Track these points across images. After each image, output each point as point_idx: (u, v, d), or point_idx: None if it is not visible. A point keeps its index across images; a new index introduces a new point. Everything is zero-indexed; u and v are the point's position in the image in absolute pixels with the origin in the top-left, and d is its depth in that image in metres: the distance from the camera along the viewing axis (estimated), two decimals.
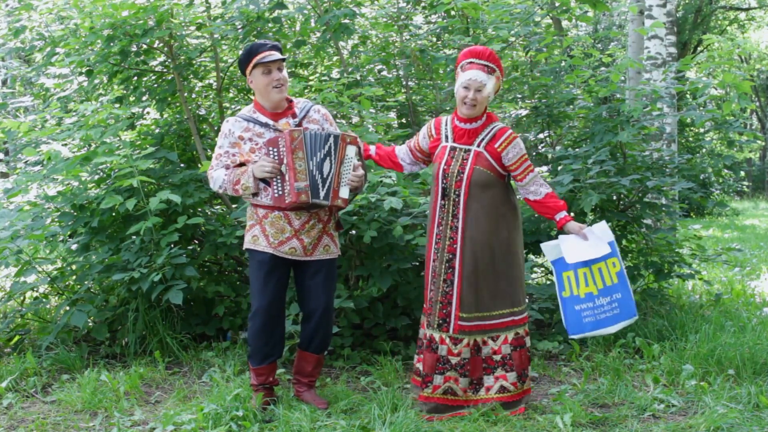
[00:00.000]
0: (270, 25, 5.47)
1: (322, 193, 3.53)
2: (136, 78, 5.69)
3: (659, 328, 4.90)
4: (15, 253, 4.78)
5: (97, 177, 5.14)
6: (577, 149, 5.60)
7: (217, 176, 3.68)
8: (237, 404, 3.65)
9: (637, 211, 5.50)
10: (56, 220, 5.04)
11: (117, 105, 5.45)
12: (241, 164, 3.66)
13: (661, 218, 5.84)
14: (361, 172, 3.65)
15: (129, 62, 5.44)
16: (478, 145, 3.71)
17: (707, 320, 4.99)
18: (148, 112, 6.15)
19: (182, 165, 5.65)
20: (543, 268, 6.15)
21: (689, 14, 21.57)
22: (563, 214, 3.76)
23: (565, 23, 14.83)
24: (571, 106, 5.99)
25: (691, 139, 17.47)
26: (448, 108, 5.85)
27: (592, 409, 3.78)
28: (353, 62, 6.38)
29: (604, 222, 3.79)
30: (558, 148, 6.07)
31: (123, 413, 3.80)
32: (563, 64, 6.20)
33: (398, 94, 6.36)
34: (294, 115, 3.71)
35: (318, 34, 5.92)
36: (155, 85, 5.74)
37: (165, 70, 5.68)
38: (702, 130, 16.67)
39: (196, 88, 6.20)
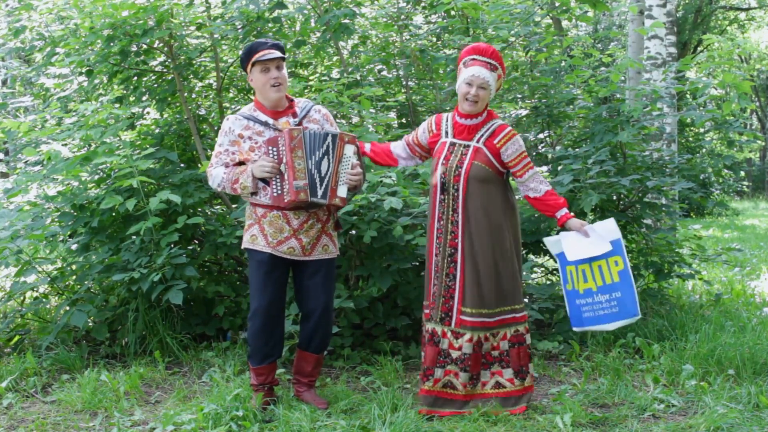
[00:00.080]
0: (270, 25, 5.47)
1: (320, 192, 3.54)
2: (136, 78, 5.69)
3: (659, 328, 4.90)
4: (15, 253, 4.78)
5: (97, 177, 5.14)
6: (577, 149, 5.60)
7: (216, 174, 3.68)
8: (237, 404, 3.65)
9: (637, 211, 5.50)
10: (56, 220, 5.04)
11: (117, 105, 5.45)
12: (241, 163, 3.66)
13: (661, 218, 5.84)
14: (359, 170, 3.66)
15: (129, 62, 5.44)
16: (478, 141, 3.72)
17: (707, 320, 4.99)
18: (148, 112, 6.15)
19: (182, 165, 5.65)
20: (543, 268, 6.15)
21: (689, 14, 21.57)
22: (564, 211, 3.76)
23: (565, 23, 14.83)
24: (571, 106, 5.99)
25: (691, 139, 17.47)
26: (448, 108, 5.84)
27: (592, 409, 3.78)
28: (353, 62, 6.38)
29: (612, 220, 3.78)
30: (558, 148, 6.07)
31: (123, 413, 3.80)
32: (563, 64, 6.20)
33: (398, 94, 6.36)
34: (294, 115, 3.72)
35: (318, 34, 5.92)
36: (155, 85, 5.74)
37: (165, 70, 5.68)
38: (702, 130, 16.68)
39: (196, 88, 6.20)
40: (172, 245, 4.79)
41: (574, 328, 3.86)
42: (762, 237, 11.80)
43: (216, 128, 5.91)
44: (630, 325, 4.95)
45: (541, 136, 6.47)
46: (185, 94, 5.64)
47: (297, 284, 3.78)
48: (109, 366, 4.62)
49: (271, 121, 3.67)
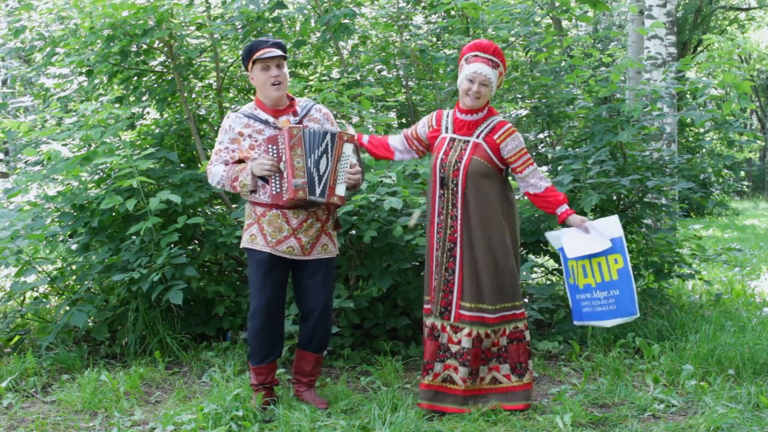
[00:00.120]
0: (270, 25, 5.47)
1: (318, 191, 3.54)
2: (136, 78, 5.69)
3: (659, 328, 4.90)
4: (15, 253, 4.78)
5: (97, 177, 5.14)
6: (577, 149, 5.60)
7: (215, 172, 3.68)
8: (237, 404, 3.65)
9: (637, 211, 5.50)
10: (56, 220, 5.04)
11: (117, 105, 5.45)
12: (240, 161, 3.66)
13: (661, 218, 5.84)
14: (357, 169, 3.66)
15: (129, 62, 5.44)
16: (477, 137, 3.73)
17: (707, 320, 4.99)
18: (148, 112, 6.15)
19: (182, 165, 5.65)
20: (543, 268, 6.15)
21: (689, 14, 21.57)
22: (564, 207, 3.77)
23: (565, 23, 14.83)
24: (571, 106, 5.99)
25: (691, 139, 17.47)
26: (448, 108, 5.84)
27: (592, 409, 3.78)
28: (353, 62, 6.37)
29: (616, 217, 3.76)
30: (558, 148, 6.07)
31: (123, 413, 3.80)
32: (563, 64, 6.20)
33: (398, 94, 6.36)
34: (295, 113, 3.72)
35: (318, 34, 5.92)
36: (155, 85, 5.74)
37: (165, 70, 5.68)
38: (702, 130, 16.67)
39: (196, 88, 6.20)
40: (172, 245, 4.79)
41: (574, 322, 3.91)
42: (762, 237, 11.80)
43: (216, 128, 5.91)
44: (630, 325, 4.97)
45: (541, 136, 6.46)
46: (185, 94, 5.64)
47: (296, 284, 3.78)
48: (109, 366, 4.62)
49: (271, 119, 3.67)
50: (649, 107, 5.43)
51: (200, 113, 6.09)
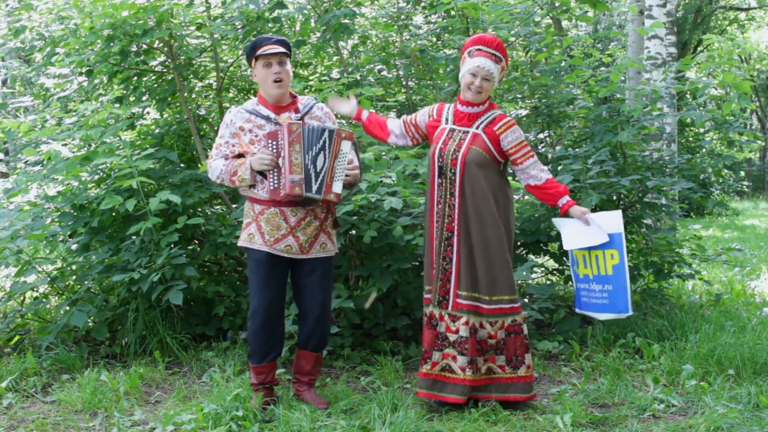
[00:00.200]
0: (270, 25, 5.47)
1: (314, 187, 3.54)
2: (136, 78, 5.69)
3: (659, 328, 4.90)
4: (15, 253, 4.78)
5: (97, 177, 5.14)
6: (577, 149, 5.60)
7: (215, 166, 3.69)
8: (237, 404, 3.65)
9: (637, 211, 5.50)
10: (56, 220, 5.04)
11: (117, 105, 5.45)
12: (240, 155, 3.67)
13: (661, 218, 5.84)
14: (355, 165, 3.66)
15: (129, 62, 5.44)
16: (477, 128, 3.75)
17: (707, 320, 4.99)
18: (148, 112, 6.16)
19: (182, 165, 5.65)
20: (543, 268, 6.16)
21: (689, 14, 21.57)
22: (566, 199, 3.77)
23: (565, 23, 14.83)
24: (571, 106, 5.99)
25: (691, 139, 17.48)
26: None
27: (592, 409, 3.78)
28: (353, 62, 6.37)
29: (618, 213, 3.75)
30: (558, 148, 6.07)
31: (123, 413, 3.80)
32: (563, 64, 6.20)
33: (398, 94, 6.36)
34: (297, 111, 3.73)
35: (318, 34, 5.92)
36: (155, 85, 5.74)
37: (165, 70, 5.68)
38: (702, 130, 16.68)
39: (196, 88, 6.20)
40: (172, 245, 4.79)
41: (575, 309, 3.95)
42: (762, 237, 11.80)
43: (216, 128, 5.91)
44: (630, 325, 4.97)
45: (541, 136, 6.46)
46: (185, 94, 5.64)
47: (294, 283, 3.79)
48: (109, 366, 4.62)
49: (273, 115, 3.68)
50: (649, 107, 5.43)
51: (200, 113, 6.09)
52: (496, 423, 3.57)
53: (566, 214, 3.80)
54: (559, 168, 5.26)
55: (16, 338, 5.03)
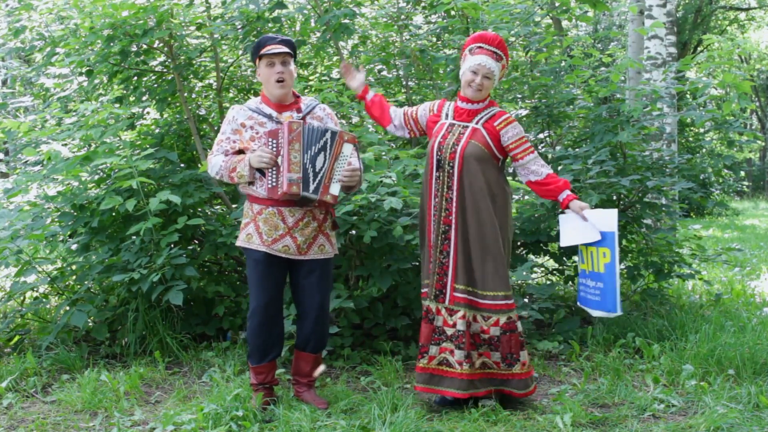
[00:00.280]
0: (270, 25, 5.47)
1: (312, 187, 3.54)
2: (136, 78, 5.69)
3: (659, 328, 4.90)
4: (15, 253, 4.78)
5: (97, 177, 5.14)
6: (577, 149, 5.60)
7: (215, 162, 3.70)
8: (237, 404, 3.65)
9: (637, 211, 5.50)
10: (56, 220, 5.04)
11: (117, 105, 5.45)
12: (240, 152, 3.67)
13: (661, 218, 5.84)
14: (355, 167, 3.65)
15: (129, 62, 5.44)
16: (477, 123, 3.75)
17: (707, 320, 4.99)
18: (148, 112, 6.16)
19: (182, 165, 5.66)
20: (543, 268, 6.16)
21: (689, 14, 21.58)
22: (566, 193, 3.75)
23: (565, 23, 14.83)
24: (571, 106, 5.99)
25: (691, 139, 17.48)
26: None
27: (592, 409, 3.78)
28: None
29: (614, 212, 3.72)
30: (558, 148, 6.07)
31: (123, 413, 3.80)
32: (563, 64, 6.20)
33: (398, 94, 6.36)
34: (299, 110, 3.73)
35: (318, 34, 5.92)
36: (155, 85, 5.74)
37: (165, 70, 5.68)
38: (702, 130, 16.68)
39: (196, 88, 6.20)
40: (172, 245, 4.79)
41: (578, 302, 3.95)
42: (762, 237, 11.81)
43: (216, 128, 5.91)
44: (630, 325, 4.98)
45: (541, 136, 6.47)
46: (185, 94, 5.64)
47: (293, 283, 3.79)
48: (109, 366, 4.62)
49: (274, 114, 3.68)
50: (649, 107, 5.43)
51: (200, 113, 6.09)
52: (496, 423, 3.56)
53: (567, 209, 3.79)
54: (559, 168, 5.26)
55: (16, 338, 5.03)
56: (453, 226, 3.71)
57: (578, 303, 3.95)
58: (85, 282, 5.01)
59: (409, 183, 4.65)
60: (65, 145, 5.28)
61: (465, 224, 3.69)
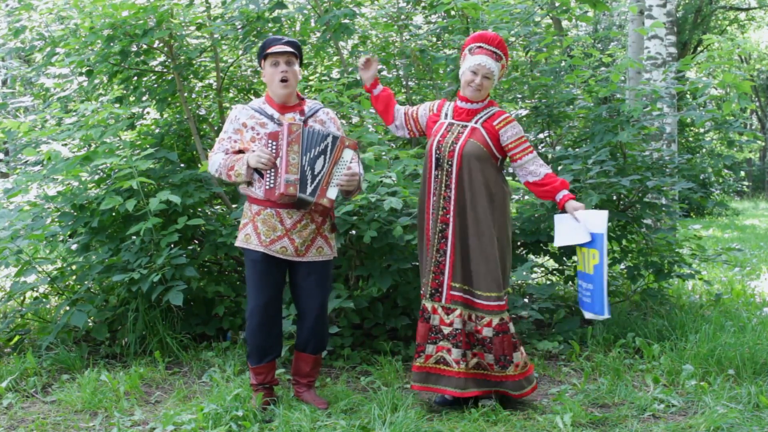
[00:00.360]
0: (270, 25, 5.47)
1: (309, 189, 3.54)
2: (136, 78, 5.69)
3: (659, 328, 4.90)
4: (15, 253, 4.78)
5: (97, 177, 5.14)
6: (577, 149, 5.60)
7: (215, 160, 3.70)
8: (237, 404, 3.65)
9: (637, 211, 5.50)
10: (56, 220, 5.04)
11: (117, 105, 5.45)
12: (240, 151, 3.68)
13: (661, 218, 5.84)
14: (354, 172, 3.65)
15: (129, 62, 5.44)
16: (476, 122, 3.75)
17: (707, 320, 4.99)
18: (148, 112, 6.16)
19: (182, 165, 5.66)
20: (543, 268, 6.16)
21: (689, 14, 21.58)
22: (563, 193, 3.73)
23: (565, 23, 14.83)
24: (571, 106, 5.99)
25: (691, 139, 17.48)
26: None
27: (592, 409, 3.78)
28: (353, 62, 6.38)
29: (604, 213, 3.67)
30: (558, 148, 6.07)
31: (123, 413, 3.80)
32: (563, 64, 6.20)
33: (398, 94, 6.35)
34: (302, 113, 3.74)
35: (318, 34, 5.92)
36: (155, 85, 5.74)
37: (165, 70, 5.68)
38: (702, 130, 16.68)
39: (196, 88, 6.20)
40: (172, 245, 4.79)
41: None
42: (762, 237, 11.81)
43: (216, 128, 5.92)
44: (630, 325, 4.98)
45: (541, 136, 6.47)
46: (185, 94, 5.64)
47: (292, 284, 3.79)
48: (109, 366, 4.62)
49: (277, 114, 3.69)
50: (649, 107, 5.43)
51: (200, 113, 6.09)
52: (496, 423, 3.57)
53: (564, 209, 3.78)
54: (559, 168, 5.26)
55: (16, 338, 5.03)
56: (450, 225, 3.71)
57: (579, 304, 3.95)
58: (85, 282, 5.01)
59: (409, 183, 4.65)
60: (65, 145, 5.27)
61: (462, 223, 3.69)
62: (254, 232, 3.65)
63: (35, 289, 5.38)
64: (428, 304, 3.78)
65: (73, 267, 5.20)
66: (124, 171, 4.62)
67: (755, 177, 28.78)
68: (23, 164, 6.02)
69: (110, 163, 4.68)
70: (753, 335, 4.57)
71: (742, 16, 24.15)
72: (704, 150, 15.38)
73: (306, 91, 5.80)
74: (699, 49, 22.16)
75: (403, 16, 6.74)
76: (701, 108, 6.37)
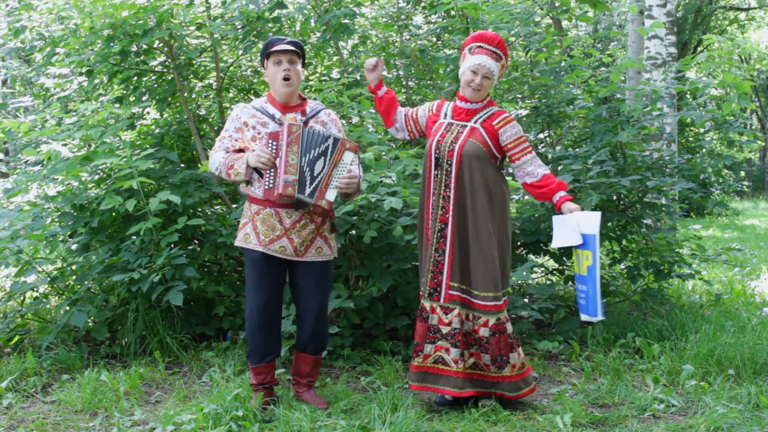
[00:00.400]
0: (270, 25, 5.47)
1: (307, 190, 3.54)
2: (136, 78, 5.69)
3: (659, 328, 4.90)
4: (15, 253, 4.78)
5: (97, 177, 5.14)
6: (577, 149, 5.60)
7: (215, 158, 3.70)
8: (237, 404, 3.65)
9: (637, 211, 5.50)
10: (56, 220, 5.04)
11: (117, 105, 5.45)
12: (241, 150, 3.68)
13: (661, 218, 5.84)
14: (354, 174, 3.64)
15: (129, 62, 5.44)
16: (475, 122, 3.75)
17: (707, 320, 4.99)
18: (148, 112, 6.16)
19: (182, 165, 5.66)
20: (543, 268, 6.16)
21: (689, 14, 21.58)
22: (560, 194, 3.72)
23: (565, 23, 14.83)
24: (571, 106, 5.99)
25: (691, 139, 17.48)
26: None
27: (592, 409, 3.78)
28: (353, 62, 6.38)
29: (596, 214, 3.63)
30: (558, 148, 6.07)
31: (123, 413, 3.80)
32: (563, 64, 6.20)
33: (398, 95, 6.35)
34: (304, 113, 3.73)
35: (318, 34, 5.92)
36: (155, 85, 5.74)
37: (165, 70, 5.68)
38: (702, 130, 16.68)
39: (196, 88, 6.20)
40: (172, 246, 4.79)
41: None
42: (762, 237, 11.81)
43: (216, 128, 5.92)
44: (630, 325, 4.98)
45: (541, 136, 6.47)
46: (185, 94, 5.64)
47: (292, 284, 3.79)
48: (109, 366, 4.62)
49: (278, 114, 3.69)
50: (649, 107, 5.43)
51: (200, 113, 6.09)
52: (496, 423, 3.56)
53: (560, 211, 3.78)
54: (559, 168, 5.26)
55: (16, 338, 5.03)
56: (449, 224, 3.71)
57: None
58: (85, 282, 5.01)
59: (409, 183, 4.65)
60: (65, 145, 5.28)
61: (461, 223, 3.69)
62: (253, 232, 3.65)
63: (35, 289, 5.38)
64: (427, 304, 3.78)
65: (73, 267, 5.20)
66: (124, 171, 4.62)
67: (755, 177, 28.78)
68: (23, 164, 6.02)
69: (110, 163, 4.69)
70: (753, 335, 4.57)
71: (742, 16, 24.16)
72: (704, 150, 15.38)
73: (306, 91, 5.80)
74: (699, 49, 22.16)
75: (403, 16, 6.74)
76: (701, 108, 6.37)
